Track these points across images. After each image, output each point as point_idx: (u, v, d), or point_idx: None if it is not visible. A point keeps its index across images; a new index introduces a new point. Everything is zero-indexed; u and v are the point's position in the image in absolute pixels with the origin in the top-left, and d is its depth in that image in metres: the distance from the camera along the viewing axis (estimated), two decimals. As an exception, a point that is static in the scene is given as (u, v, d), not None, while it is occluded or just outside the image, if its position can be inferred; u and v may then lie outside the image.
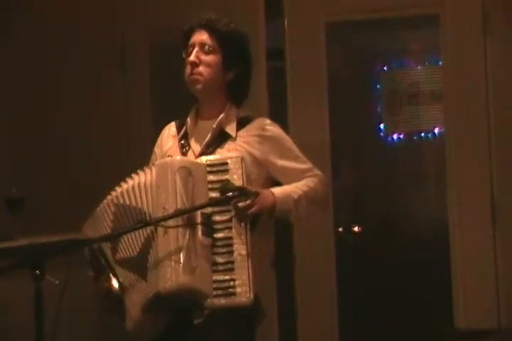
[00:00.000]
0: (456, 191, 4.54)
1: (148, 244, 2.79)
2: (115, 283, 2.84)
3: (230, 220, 2.79)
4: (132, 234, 2.81)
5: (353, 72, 5.28)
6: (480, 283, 4.46)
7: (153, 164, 2.96)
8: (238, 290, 2.74)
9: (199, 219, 2.77)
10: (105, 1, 4.84)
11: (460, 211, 4.52)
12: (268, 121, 3.05)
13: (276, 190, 2.92)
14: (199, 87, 2.99)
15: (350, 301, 4.77)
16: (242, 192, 2.76)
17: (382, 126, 5.25)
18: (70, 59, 4.80)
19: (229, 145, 2.97)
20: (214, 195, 2.81)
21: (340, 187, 4.98)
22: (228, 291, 2.74)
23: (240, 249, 2.76)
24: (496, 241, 4.44)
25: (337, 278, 4.68)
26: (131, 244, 2.82)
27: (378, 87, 5.27)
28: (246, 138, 2.98)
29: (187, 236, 2.75)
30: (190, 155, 2.98)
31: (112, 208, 2.90)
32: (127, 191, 2.88)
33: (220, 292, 2.74)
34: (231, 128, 2.99)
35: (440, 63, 4.82)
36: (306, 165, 3.02)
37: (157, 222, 2.73)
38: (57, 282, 2.78)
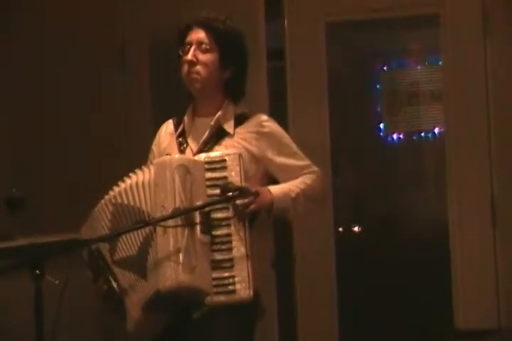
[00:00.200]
0: (456, 191, 4.54)
1: (147, 244, 2.79)
2: (114, 285, 2.84)
3: (228, 217, 2.79)
4: (131, 233, 2.81)
5: (353, 72, 5.28)
6: (480, 283, 4.46)
7: (151, 162, 2.96)
8: (238, 287, 2.74)
9: (198, 217, 2.77)
10: (105, 1, 4.84)
11: (460, 211, 4.52)
12: (265, 118, 3.05)
13: (274, 189, 2.92)
14: (197, 86, 2.99)
15: (350, 301, 4.77)
16: (242, 192, 2.76)
17: (382, 126, 5.26)
18: (70, 59, 4.80)
19: (227, 142, 2.97)
20: (212, 192, 2.81)
21: (340, 187, 4.98)
22: (228, 288, 2.75)
23: (238, 245, 2.77)
24: (496, 241, 4.44)
25: (337, 278, 4.68)
26: (129, 244, 2.82)
27: (378, 87, 5.28)
28: (243, 135, 2.98)
29: (186, 235, 2.75)
30: (188, 153, 2.98)
31: (110, 208, 2.89)
32: (125, 190, 2.88)
33: (219, 289, 2.75)
34: (229, 125, 2.99)
35: (440, 63, 4.82)
36: (304, 162, 3.02)
37: (157, 222, 2.73)
38: (57, 282, 2.78)
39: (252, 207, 2.80)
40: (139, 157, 3.23)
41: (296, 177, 2.98)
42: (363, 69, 5.32)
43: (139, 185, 2.86)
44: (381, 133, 5.27)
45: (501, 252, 4.44)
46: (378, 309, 4.89)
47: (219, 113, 2.99)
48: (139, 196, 2.85)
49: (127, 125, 4.76)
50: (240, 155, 2.84)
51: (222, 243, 2.78)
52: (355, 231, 5.13)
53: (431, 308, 4.68)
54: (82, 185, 4.62)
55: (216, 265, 2.76)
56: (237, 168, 2.82)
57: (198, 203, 2.79)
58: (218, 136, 2.99)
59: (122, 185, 2.90)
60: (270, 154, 2.98)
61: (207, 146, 2.97)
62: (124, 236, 2.82)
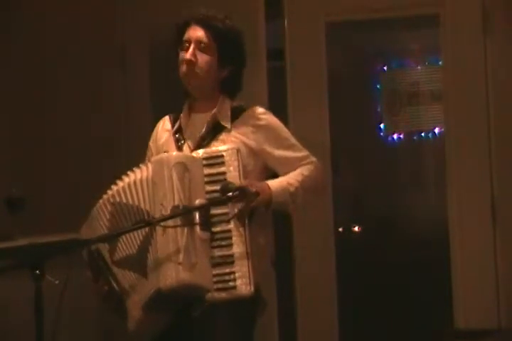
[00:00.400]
0: (456, 191, 4.54)
1: (147, 243, 2.79)
2: (114, 285, 2.84)
3: (227, 214, 2.79)
4: (131, 233, 2.80)
5: (353, 72, 5.28)
6: (480, 283, 4.46)
7: (148, 160, 2.96)
8: (238, 283, 2.74)
9: (197, 214, 2.77)
10: (105, 1, 4.85)
11: (460, 211, 4.52)
12: (261, 110, 3.03)
13: (273, 183, 2.91)
14: (194, 85, 2.99)
15: (350, 301, 4.77)
16: (242, 192, 2.76)
17: (382, 126, 5.26)
18: (70, 59, 4.80)
19: (224, 136, 2.96)
20: (211, 188, 2.81)
21: (340, 187, 4.98)
22: (228, 285, 2.75)
23: (238, 241, 2.77)
24: (496, 241, 4.44)
25: (337, 278, 4.68)
26: (129, 244, 2.82)
27: (378, 87, 5.27)
28: (240, 129, 2.97)
29: (185, 233, 2.75)
30: (186, 149, 2.97)
31: (109, 207, 2.89)
32: (123, 189, 2.87)
33: (220, 285, 2.75)
34: (225, 120, 2.98)
35: (440, 63, 4.82)
36: (302, 153, 3.01)
37: (158, 222, 2.73)
38: (57, 282, 2.78)
39: (251, 204, 2.80)
40: (139, 157, 3.22)
41: (295, 169, 2.97)
42: (363, 69, 5.32)
43: (137, 184, 2.85)
44: (381, 133, 5.27)
45: (501, 252, 4.44)
46: (378, 309, 4.89)
47: (215, 109, 2.99)
48: (137, 194, 2.84)
49: (127, 125, 4.76)
50: (238, 150, 2.84)
51: (222, 239, 2.78)
52: (355, 231, 5.13)
53: (431, 308, 4.68)
54: (82, 185, 4.62)
55: (216, 261, 2.76)
56: (235, 163, 2.82)
57: (198, 201, 2.79)
58: (215, 131, 2.98)
59: (120, 184, 2.89)
60: (268, 147, 2.97)
61: (204, 142, 2.96)
62: (123, 236, 2.81)
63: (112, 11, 4.82)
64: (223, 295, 2.75)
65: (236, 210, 2.78)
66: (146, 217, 2.78)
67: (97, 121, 4.77)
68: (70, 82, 4.80)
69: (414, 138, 5.24)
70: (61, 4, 4.83)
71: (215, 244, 2.78)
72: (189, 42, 2.97)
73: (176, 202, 2.77)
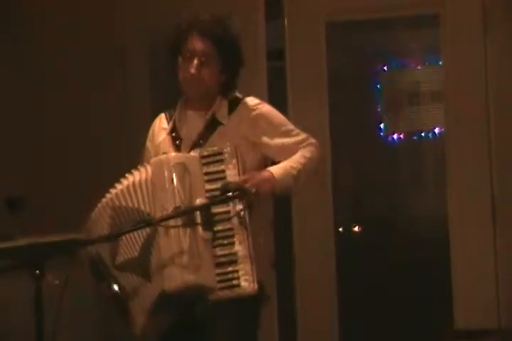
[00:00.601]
0: (456, 191, 4.54)
1: (149, 245, 2.78)
2: (117, 290, 2.83)
3: (228, 212, 2.79)
4: (132, 235, 2.80)
5: (353, 72, 5.28)
6: (480, 283, 4.46)
7: (147, 162, 2.95)
8: (242, 281, 2.75)
9: (198, 215, 2.77)
10: (105, 1, 4.85)
11: (460, 211, 4.52)
12: (253, 102, 3.02)
13: (276, 169, 2.91)
14: (196, 94, 2.98)
15: (350, 301, 4.77)
16: (242, 192, 2.76)
17: (382, 126, 5.25)
18: (70, 59, 4.80)
19: (221, 132, 2.96)
20: (211, 186, 2.81)
21: (340, 187, 4.98)
22: (232, 283, 2.75)
23: (240, 239, 2.77)
24: (496, 242, 4.45)
25: (337, 278, 4.68)
26: (131, 247, 2.81)
27: (378, 87, 5.27)
28: (236, 123, 2.96)
29: (188, 234, 2.75)
30: (184, 147, 2.97)
31: (109, 211, 2.87)
32: (122, 192, 2.86)
33: (224, 284, 2.76)
34: (223, 117, 2.97)
35: (440, 63, 4.83)
36: (300, 137, 3.01)
37: (158, 222, 2.72)
38: (57, 282, 2.78)
39: (251, 203, 2.81)
40: (139, 157, 3.22)
41: (295, 153, 2.97)
42: (363, 69, 5.31)
43: (136, 186, 2.84)
44: (381, 133, 5.26)
45: (501, 252, 4.44)
46: (378, 309, 4.89)
47: (213, 108, 2.97)
48: (136, 197, 2.84)
49: (127, 125, 4.76)
50: (236, 147, 2.83)
51: (224, 237, 2.78)
52: (355, 231, 5.13)
53: (431, 308, 4.68)
54: (82, 185, 4.62)
55: (219, 260, 2.77)
56: (234, 161, 2.82)
57: (198, 201, 2.78)
58: (212, 127, 2.98)
59: (119, 187, 2.88)
60: (266, 139, 2.97)
61: (202, 140, 2.96)
62: (125, 239, 2.80)
63: (111, 11, 4.82)
64: (228, 293, 2.75)
65: (237, 208, 2.78)
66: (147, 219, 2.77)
67: (97, 121, 4.77)
68: (70, 82, 4.80)
69: (414, 138, 5.24)
70: (61, 4, 4.84)
71: (217, 242, 2.78)
72: (192, 53, 2.94)
73: (177, 204, 2.77)
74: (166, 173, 2.81)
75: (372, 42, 5.24)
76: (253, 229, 2.82)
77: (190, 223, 2.75)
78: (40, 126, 4.83)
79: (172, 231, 2.74)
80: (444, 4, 4.59)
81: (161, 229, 2.75)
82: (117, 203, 2.86)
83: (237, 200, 2.77)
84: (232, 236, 2.78)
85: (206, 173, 2.83)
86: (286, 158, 2.96)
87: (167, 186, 2.79)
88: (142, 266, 2.79)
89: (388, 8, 4.69)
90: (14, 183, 4.51)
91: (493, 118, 4.47)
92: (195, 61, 2.93)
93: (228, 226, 2.79)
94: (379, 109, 5.25)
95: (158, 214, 2.77)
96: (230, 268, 2.76)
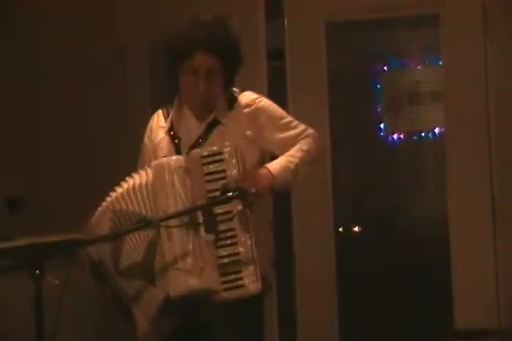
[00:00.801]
0: (456, 191, 4.54)
1: (152, 249, 2.77)
2: (120, 296, 2.83)
3: (230, 212, 2.79)
4: (135, 240, 2.79)
5: (353, 72, 5.28)
6: (480, 283, 4.46)
7: (148, 165, 2.93)
8: (246, 281, 2.75)
9: (200, 217, 2.77)
10: (105, 1, 4.85)
11: (460, 211, 4.52)
12: (252, 97, 3.02)
13: (273, 165, 2.90)
14: (204, 109, 2.96)
15: (350, 301, 4.77)
16: (242, 192, 2.75)
17: (382, 126, 5.25)
18: (70, 59, 4.80)
19: (220, 130, 2.95)
20: (211, 187, 2.80)
21: (340, 187, 4.98)
22: (236, 283, 2.75)
23: (242, 239, 2.77)
24: (496, 242, 4.45)
25: (337, 278, 4.68)
26: (134, 251, 2.80)
27: (378, 87, 5.27)
28: (235, 120, 2.96)
29: (191, 237, 2.74)
30: (183, 147, 2.96)
31: (109, 214, 2.86)
32: (123, 195, 2.84)
33: (228, 285, 2.75)
34: (223, 117, 2.96)
35: (440, 63, 4.82)
36: (298, 129, 3.01)
37: (159, 222, 2.71)
38: (57, 282, 2.78)
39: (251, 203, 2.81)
40: (139, 157, 3.22)
41: (294, 146, 2.97)
42: (363, 69, 5.31)
43: (137, 189, 2.83)
44: (381, 133, 5.26)
45: (501, 252, 4.44)
46: (378, 309, 4.89)
47: (215, 111, 2.96)
48: (137, 200, 2.83)
49: (127, 125, 4.75)
50: (236, 147, 2.83)
51: (226, 238, 2.78)
52: (355, 231, 5.13)
53: (431, 308, 4.68)
54: (82, 185, 4.62)
55: (222, 261, 2.76)
56: (234, 160, 2.81)
57: (199, 202, 2.78)
58: (212, 126, 2.96)
59: (119, 190, 2.86)
60: (266, 133, 2.96)
61: (201, 138, 2.95)
62: (127, 243, 2.80)
63: (111, 11, 4.82)
64: (232, 294, 2.75)
65: (238, 208, 2.78)
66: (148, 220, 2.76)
67: (97, 121, 4.77)
68: (70, 82, 4.80)
69: (414, 138, 5.24)
70: (61, 4, 4.84)
71: (220, 243, 2.78)
72: (197, 70, 2.89)
73: (180, 208, 2.76)
74: (167, 177, 2.80)
75: (372, 42, 5.24)
76: (253, 229, 2.82)
77: (193, 226, 2.75)
78: (40, 126, 4.83)
79: (175, 234, 2.74)
80: (444, 4, 4.58)
81: (163, 233, 2.75)
82: (118, 206, 2.84)
83: (237, 200, 2.77)
84: (235, 236, 2.78)
85: (207, 173, 2.82)
86: (285, 152, 2.95)
87: (168, 190, 2.79)
88: (146, 270, 2.78)
89: (388, 8, 4.68)
90: (14, 183, 4.51)
91: (493, 118, 4.47)
92: (203, 78, 2.89)
93: (230, 226, 2.78)
94: (379, 109, 5.25)
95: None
96: (233, 269, 2.76)
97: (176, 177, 2.80)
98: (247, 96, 3.02)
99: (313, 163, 3.01)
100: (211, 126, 2.96)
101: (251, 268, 2.75)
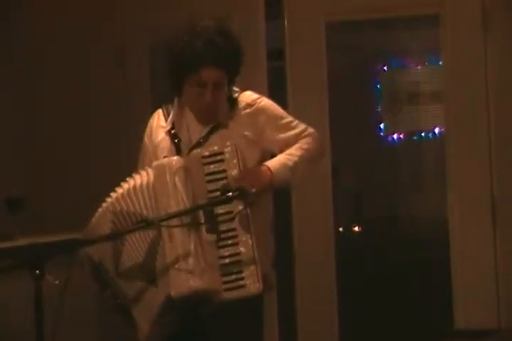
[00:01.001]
0: (456, 191, 4.54)
1: (153, 250, 2.77)
2: (120, 299, 2.83)
3: (230, 212, 2.78)
4: (136, 241, 2.79)
5: (353, 72, 5.28)
6: (480, 283, 4.45)
7: (148, 165, 2.92)
8: (247, 281, 2.75)
9: (202, 217, 2.77)
10: (105, 1, 4.85)
11: (460, 211, 4.52)
12: (253, 97, 3.01)
13: (271, 163, 2.91)
14: (211, 119, 2.96)
15: (350, 301, 4.77)
16: (242, 192, 2.75)
17: (382, 126, 5.26)
18: (70, 59, 4.80)
19: (221, 132, 2.94)
20: (212, 187, 2.80)
21: (341, 187, 4.98)
22: (238, 284, 2.75)
23: (243, 239, 2.77)
24: (496, 241, 4.44)
25: (337, 278, 4.68)
26: (135, 252, 2.80)
27: (378, 87, 5.28)
28: (236, 120, 2.95)
29: (192, 238, 2.74)
30: (184, 147, 2.96)
31: (109, 215, 2.85)
32: (123, 196, 2.84)
33: (229, 286, 2.75)
34: (225, 118, 2.96)
35: (440, 63, 4.83)
36: (299, 129, 3.01)
37: (160, 222, 2.70)
38: (57, 282, 2.77)
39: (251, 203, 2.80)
40: (139, 157, 3.22)
41: (294, 144, 2.97)
42: (363, 69, 5.32)
43: (137, 190, 2.82)
44: (381, 133, 5.27)
45: (501, 252, 4.44)
46: (378, 309, 4.89)
47: (219, 118, 2.96)
48: (138, 201, 2.82)
49: (127, 125, 4.76)
50: (237, 147, 2.83)
51: (227, 238, 2.78)
52: (355, 231, 5.13)
53: (431, 308, 4.68)
54: (82, 185, 4.62)
55: (224, 261, 2.76)
56: (235, 160, 2.81)
57: (200, 202, 2.78)
58: (214, 128, 2.96)
59: (120, 191, 2.85)
60: (266, 134, 2.96)
61: (202, 138, 2.94)
62: (128, 244, 2.79)
63: (111, 11, 4.82)
64: (233, 294, 2.75)
65: (239, 208, 2.78)
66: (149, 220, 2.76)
67: (97, 121, 4.77)
68: (70, 82, 4.80)
69: (414, 138, 5.25)
70: (61, 4, 4.84)
71: (221, 244, 2.77)
72: (205, 83, 2.87)
73: (181, 208, 2.76)
74: (168, 177, 2.79)
75: (372, 42, 5.25)
76: (254, 229, 2.82)
77: (194, 226, 2.75)
78: (41, 126, 4.83)
79: (176, 234, 2.73)
80: (444, 4, 4.58)
81: (164, 233, 2.74)
82: (118, 207, 2.84)
83: (237, 200, 2.77)
84: (236, 236, 2.78)
85: (207, 174, 2.82)
86: (286, 150, 2.95)
87: (170, 191, 2.78)
88: (147, 270, 2.78)
89: (388, 8, 4.68)
90: (14, 183, 4.52)
91: (493, 118, 4.47)
92: (210, 91, 2.88)
93: (231, 226, 2.78)
94: (379, 109, 5.26)
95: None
96: (234, 270, 2.76)
97: (177, 178, 2.79)
98: (247, 97, 3.01)
99: (313, 161, 3.01)
100: (213, 129, 2.96)
101: (252, 268, 2.75)
